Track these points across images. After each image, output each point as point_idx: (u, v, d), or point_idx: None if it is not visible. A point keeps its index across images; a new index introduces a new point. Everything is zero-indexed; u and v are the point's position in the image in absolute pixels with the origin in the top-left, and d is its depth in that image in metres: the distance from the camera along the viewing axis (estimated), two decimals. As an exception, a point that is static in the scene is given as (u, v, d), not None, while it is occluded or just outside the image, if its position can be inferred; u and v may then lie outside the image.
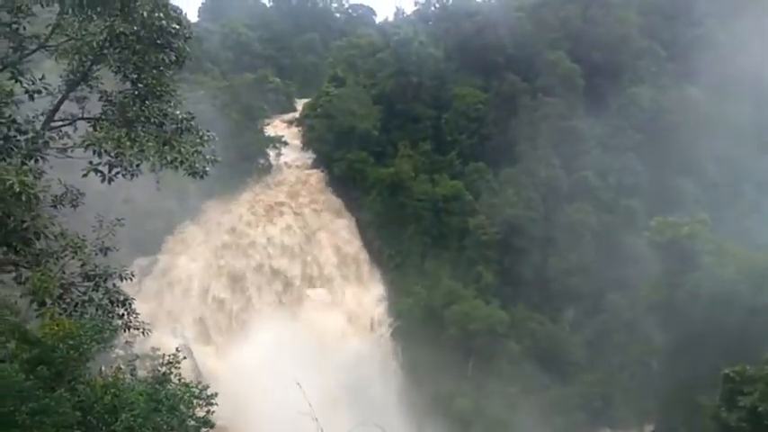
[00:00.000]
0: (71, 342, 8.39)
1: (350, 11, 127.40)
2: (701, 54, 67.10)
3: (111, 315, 11.24)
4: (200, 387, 9.75)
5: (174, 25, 10.64)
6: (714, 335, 41.00)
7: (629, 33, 72.32)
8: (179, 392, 9.45)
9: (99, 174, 10.26)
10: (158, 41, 10.55)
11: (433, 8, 78.22)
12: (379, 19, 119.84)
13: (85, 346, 8.59)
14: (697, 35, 70.67)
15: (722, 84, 64.27)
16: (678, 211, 49.13)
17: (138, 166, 10.56)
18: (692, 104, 63.13)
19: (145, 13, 10.15)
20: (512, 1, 78.00)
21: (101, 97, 11.41)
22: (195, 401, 9.61)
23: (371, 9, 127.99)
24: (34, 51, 10.61)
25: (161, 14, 10.34)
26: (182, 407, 9.31)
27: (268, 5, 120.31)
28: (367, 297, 60.27)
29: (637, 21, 74.39)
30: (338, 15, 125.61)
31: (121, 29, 10.03)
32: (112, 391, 8.46)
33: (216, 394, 9.92)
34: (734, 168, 57.92)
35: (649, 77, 68.36)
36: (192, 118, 11.65)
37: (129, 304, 11.67)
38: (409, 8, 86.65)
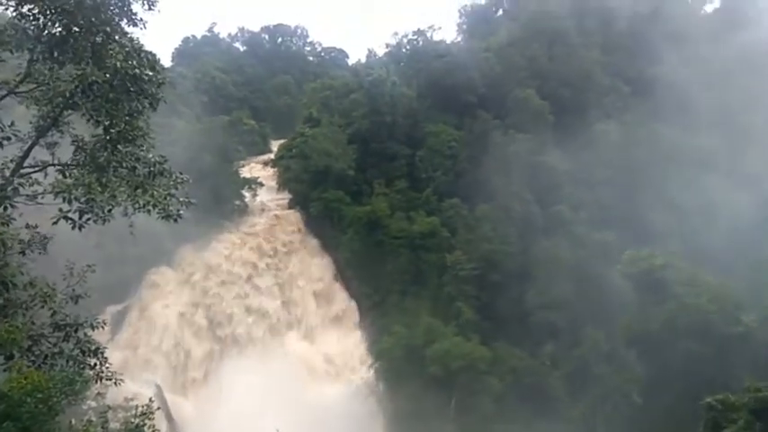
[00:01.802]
0: (39, 396, 8.07)
1: (323, 53, 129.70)
2: (664, 90, 69.53)
3: (82, 366, 10.88)
4: (175, 438, 9.43)
5: (148, 71, 10.65)
6: (692, 365, 41.24)
7: (593, 71, 74.93)
8: (153, 445, 9.14)
9: (69, 221, 10.06)
10: (131, 89, 10.52)
11: (404, 50, 79.95)
12: (351, 61, 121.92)
13: (54, 400, 8.26)
14: (659, 72, 73.26)
15: (686, 117, 66.43)
16: (651, 242, 49.89)
17: (109, 211, 10.38)
18: (657, 138, 64.89)
19: (118, 63, 10.13)
20: (480, 42, 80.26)
21: (72, 142, 11.28)
22: (170, 453, 9.27)
23: (344, 51, 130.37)
24: (3, 98, 10.49)
25: (134, 62, 10.34)
26: (156, 459, 8.99)
27: (241, 50, 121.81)
28: (346, 337, 59.51)
29: (600, 59, 77.14)
30: (311, 58, 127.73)
31: (94, 77, 9.99)
32: (83, 446, 8.13)
33: (191, 445, 9.59)
34: (704, 199, 59.22)
35: (615, 113, 70.41)
36: (166, 161, 11.54)
37: (101, 354, 11.34)
38: (381, 50, 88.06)
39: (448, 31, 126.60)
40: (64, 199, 9.84)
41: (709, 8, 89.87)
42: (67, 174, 10.56)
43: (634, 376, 48.03)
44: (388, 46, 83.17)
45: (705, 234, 55.61)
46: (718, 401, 31.50)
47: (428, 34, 78.59)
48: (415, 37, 78.66)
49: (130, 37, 10.88)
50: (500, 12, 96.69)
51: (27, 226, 10.96)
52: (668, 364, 43.21)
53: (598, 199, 62.96)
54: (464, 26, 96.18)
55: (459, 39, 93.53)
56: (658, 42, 77.36)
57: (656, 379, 45.39)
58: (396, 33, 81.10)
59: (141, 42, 11.13)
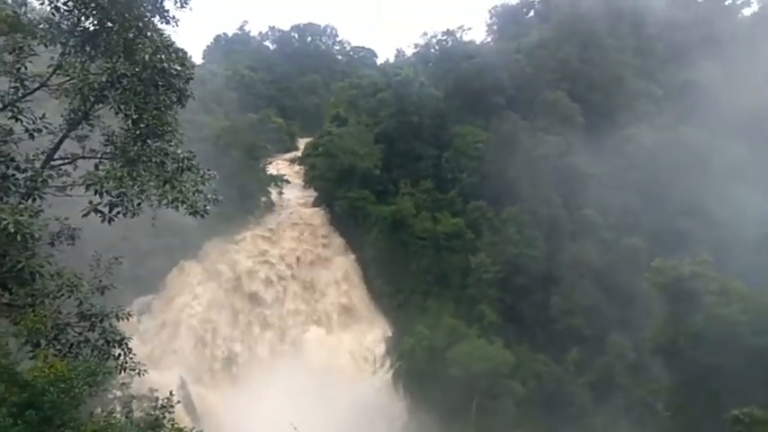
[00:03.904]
0: (62, 385, 8.16)
1: (351, 53, 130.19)
2: (697, 95, 68.03)
3: (106, 356, 11.01)
4: (194, 432, 9.47)
5: (176, 66, 10.75)
6: (720, 376, 40.23)
7: (625, 74, 73.70)
8: (172, 438, 9.18)
9: (99, 213, 10.19)
10: (160, 82, 10.63)
11: (432, 50, 79.62)
12: (380, 60, 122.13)
13: (77, 390, 8.34)
14: (692, 77, 71.77)
15: (719, 123, 64.88)
16: (681, 250, 48.78)
17: (139, 205, 10.50)
18: (689, 144, 63.46)
19: (147, 56, 10.25)
20: (510, 43, 79.55)
21: (103, 134, 11.45)
22: (188, 447, 9.30)
23: (372, 51, 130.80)
24: (35, 90, 10.68)
25: (162, 56, 10.45)
26: (175, 453, 9.03)
27: (271, 48, 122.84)
28: (369, 336, 59.58)
29: (633, 62, 75.88)
30: (340, 57, 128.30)
31: (123, 70, 10.12)
32: (103, 436, 8.19)
33: (210, 440, 9.62)
34: (735, 207, 57.82)
35: (646, 117, 69.13)
36: (194, 157, 11.66)
37: (126, 344, 11.45)
38: (409, 50, 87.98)
39: (478, 32, 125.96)
40: (95, 191, 9.98)
41: (747, 11, 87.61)
42: (99, 167, 10.72)
43: (659, 386, 47.14)
44: (416, 46, 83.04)
45: (735, 244, 54.32)
46: (745, 415, 30.58)
47: (458, 35, 78.16)
48: (445, 37, 78.27)
49: (161, 32, 10.99)
50: (531, 13, 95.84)
51: (56, 218, 11.12)
52: (695, 376, 42.21)
53: (627, 204, 61.87)
54: (494, 27, 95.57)
55: (489, 39, 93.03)
56: (693, 46, 75.80)
57: (682, 390, 44.44)
58: (425, 34, 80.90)
59: (172, 39, 11.26)
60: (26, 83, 10.53)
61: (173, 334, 53.04)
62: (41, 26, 10.73)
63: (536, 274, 58.78)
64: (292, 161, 78.96)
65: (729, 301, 41.25)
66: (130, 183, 10.12)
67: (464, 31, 78.96)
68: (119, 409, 13.53)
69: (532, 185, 61.48)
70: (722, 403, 35.73)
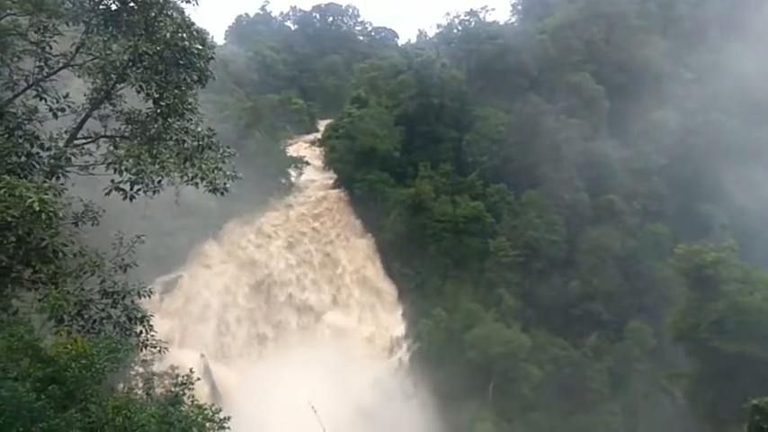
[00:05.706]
0: (84, 361, 8.30)
1: (373, 33, 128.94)
2: (727, 78, 66.38)
3: (128, 332, 11.17)
4: (213, 409, 9.59)
5: (197, 45, 10.73)
6: (741, 365, 39.78)
7: (653, 56, 72.06)
8: (191, 414, 9.29)
9: (120, 191, 10.28)
10: (181, 61, 10.64)
11: (455, 31, 78.62)
12: (401, 41, 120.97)
13: (99, 366, 8.48)
14: (722, 60, 70.00)
15: (748, 108, 63.35)
16: (705, 237, 48.12)
17: (159, 182, 10.55)
18: (717, 129, 62.12)
19: (168, 34, 10.25)
20: (535, 24, 78.28)
21: (118, 117, 11.50)
22: (208, 424, 9.42)
23: (394, 32, 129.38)
24: (59, 69, 10.76)
25: (184, 35, 10.43)
26: (194, 429, 9.15)
27: (293, 29, 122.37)
28: (386, 318, 59.80)
29: (661, 44, 74.10)
30: (361, 38, 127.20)
31: (144, 49, 10.14)
32: (124, 412, 8.31)
33: (229, 418, 9.74)
34: (762, 194, 56.67)
35: (674, 101, 67.71)
36: (214, 134, 11.68)
37: (147, 321, 11.59)
38: (432, 31, 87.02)
39: (502, 12, 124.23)
40: (115, 170, 10.05)
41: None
42: (118, 145, 10.81)
43: (679, 373, 46.77)
44: (439, 27, 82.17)
45: (760, 231, 53.31)
46: (764, 404, 30.19)
47: (481, 15, 77.09)
48: (468, 18, 77.18)
49: (181, 11, 10.99)
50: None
51: (80, 199, 11.24)
52: (715, 363, 41.78)
53: (651, 189, 61.01)
54: (519, 7, 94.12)
55: (513, 20, 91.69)
56: (723, 28, 73.88)
57: (700, 377, 44.05)
58: (448, 14, 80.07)
59: (192, 20, 11.26)
60: (50, 62, 10.60)
61: (193, 313, 53.75)
62: (65, 5, 10.76)
63: (555, 259, 58.41)
64: (312, 143, 78.92)
65: (753, 289, 40.68)
66: (149, 160, 10.16)
67: (488, 11, 78.34)
68: (140, 385, 13.76)
69: (554, 169, 60.78)
70: (743, 392, 35.33)
